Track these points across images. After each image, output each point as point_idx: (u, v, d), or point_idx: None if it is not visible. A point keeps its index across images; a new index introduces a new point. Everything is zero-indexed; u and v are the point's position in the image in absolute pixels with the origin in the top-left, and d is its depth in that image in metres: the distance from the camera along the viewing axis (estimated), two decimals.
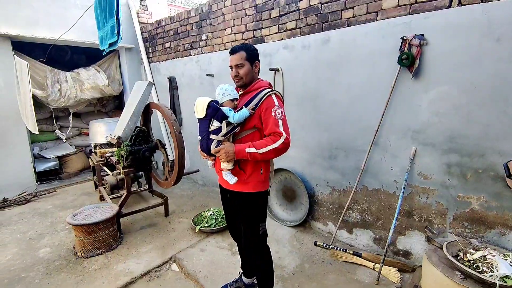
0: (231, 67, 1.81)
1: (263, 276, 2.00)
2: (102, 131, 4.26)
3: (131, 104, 3.17)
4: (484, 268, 1.72)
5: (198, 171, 3.51)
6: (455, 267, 1.80)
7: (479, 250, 1.89)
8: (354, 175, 2.71)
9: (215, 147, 1.74)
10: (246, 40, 3.38)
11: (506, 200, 1.96)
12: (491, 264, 1.73)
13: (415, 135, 2.28)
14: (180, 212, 3.62)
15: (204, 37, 3.92)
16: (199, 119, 1.78)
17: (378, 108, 2.42)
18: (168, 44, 4.57)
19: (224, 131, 1.71)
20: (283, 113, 1.74)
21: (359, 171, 2.64)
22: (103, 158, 3.77)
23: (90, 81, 4.80)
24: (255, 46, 1.95)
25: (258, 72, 1.88)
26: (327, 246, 2.78)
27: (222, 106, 1.74)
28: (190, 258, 2.66)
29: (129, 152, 2.98)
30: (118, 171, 3.56)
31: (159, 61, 4.83)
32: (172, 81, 4.52)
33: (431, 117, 2.18)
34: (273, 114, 1.69)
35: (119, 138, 3.00)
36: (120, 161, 3.08)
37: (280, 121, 1.69)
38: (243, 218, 1.92)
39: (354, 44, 2.50)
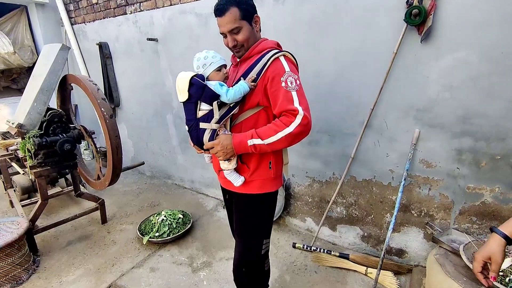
0: (223, 34, 1.29)
1: None
2: (3, 114, 3.18)
3: (38, 77, 2.24)
4: None
5: (143, 163, 2.76)
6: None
7: None
8: (340, 164, 2.24)
9: (208, 140, 1.27)
10: None
11: None
12: None
13: (419, 114, 1.84)
14: (123, 215, 2.87)
15: None
16: (182, 103, 1.29)
17: (375, 81, 1.92)
18: None
19: (216, 115, 1.24)
20: (297, 81, 1.22)
21: (346, 159, 2.17)
22: (11, 152, 2.79)
23: None
24: None
25: (260, 29, 1.35)
26: (308, 248, 2.34)
27: (209, 81, 1.27)
28: (137, 284, 2.01)
29: (38, 145, 2.11)
30: None
31: (84, 21, 3.75)
32: (103, 47, 3.52)
33: (441, 91, 1.74)
34: (283, 84, 1.19)
35: (20, 126, 2.10)
36: (27, 158, 2.20)
37: (294, 93, 1.19)
38: (241, 229, 1.46)
39: None
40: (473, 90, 1.65)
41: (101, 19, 3.54)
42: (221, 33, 1.29)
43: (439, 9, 1.63)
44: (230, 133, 1.29)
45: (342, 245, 2.41)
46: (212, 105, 1.22)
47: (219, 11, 1.22)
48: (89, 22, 3.68)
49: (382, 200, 2.13)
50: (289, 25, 2.19)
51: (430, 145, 1.86)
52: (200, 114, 1.25)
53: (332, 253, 2.25)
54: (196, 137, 1.29)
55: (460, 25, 1.60)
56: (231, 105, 1.24)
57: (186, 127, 1.33)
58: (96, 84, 2.14)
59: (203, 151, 1.37)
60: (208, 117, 1.24)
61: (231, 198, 1.50)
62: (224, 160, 1.30)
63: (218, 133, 1.27)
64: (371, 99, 1.96)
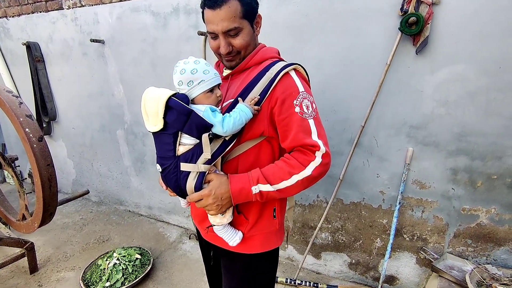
0: (213, 34, 0.92)
1: None
2: None
3: None
4: None
5: (87, 192, 2.24)
6: None
7: (507, 285, 1.46)
8: (324, 185, 2.01)
9: (195, 188, 0.89)
10: None
11: None
12: None
13: (412, 131, 1.69)
14: (61, 259, 2.29)
15: None
16: (153, 133, 0.90)
17: (364, 95, 1.73)
18: None
19: (207, 154, 0.86)
20: (313, 105, 0.93)
21: (331, 180, 1.96)
22: None
23: None
24: None
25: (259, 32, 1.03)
26: (292, 282, 2.06)
27: (194, 104, 0.88)
28: None
29: None
30: None
31: (6, 15, 3.05)
32: (32, 49, 2.88)
33: (436, 107, 1.60)
34: (297, 109, 0.89)
35: None
36: None
37: (311, 122, 0.90)
38: None
39: (329, 0, 1.70)
40: (470, 106, 1.54)
41: (29, 13, 2.90)
42: (209, 32, 0.93)
43: (435, 18, 1.48)
44: (223, 173, 0.93)
45: (327, 274, 2.18)
46: (200, 139, 0.85)
47: (213, 1, 0.86)
48: (13, 16, 3.00)
49: (371, 224, 1.95)
50: (265, 30, 1.89)
51: (423, 165, 1.71)
52: (181, 150, 0.87)
53: (319, 285, 2.01)
54: (175, 182, 0.90)
55: (457, 36, 1.47)
56: (226, 138, 0.88)
57: (158, 167, 0.93)
58: (17, 96, 1.62)
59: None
60: (193, 154, 0.86)
61: (217, 256, 1.14)
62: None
63: (207, 178, 0.90)
64: (359, 114, 1.77)
